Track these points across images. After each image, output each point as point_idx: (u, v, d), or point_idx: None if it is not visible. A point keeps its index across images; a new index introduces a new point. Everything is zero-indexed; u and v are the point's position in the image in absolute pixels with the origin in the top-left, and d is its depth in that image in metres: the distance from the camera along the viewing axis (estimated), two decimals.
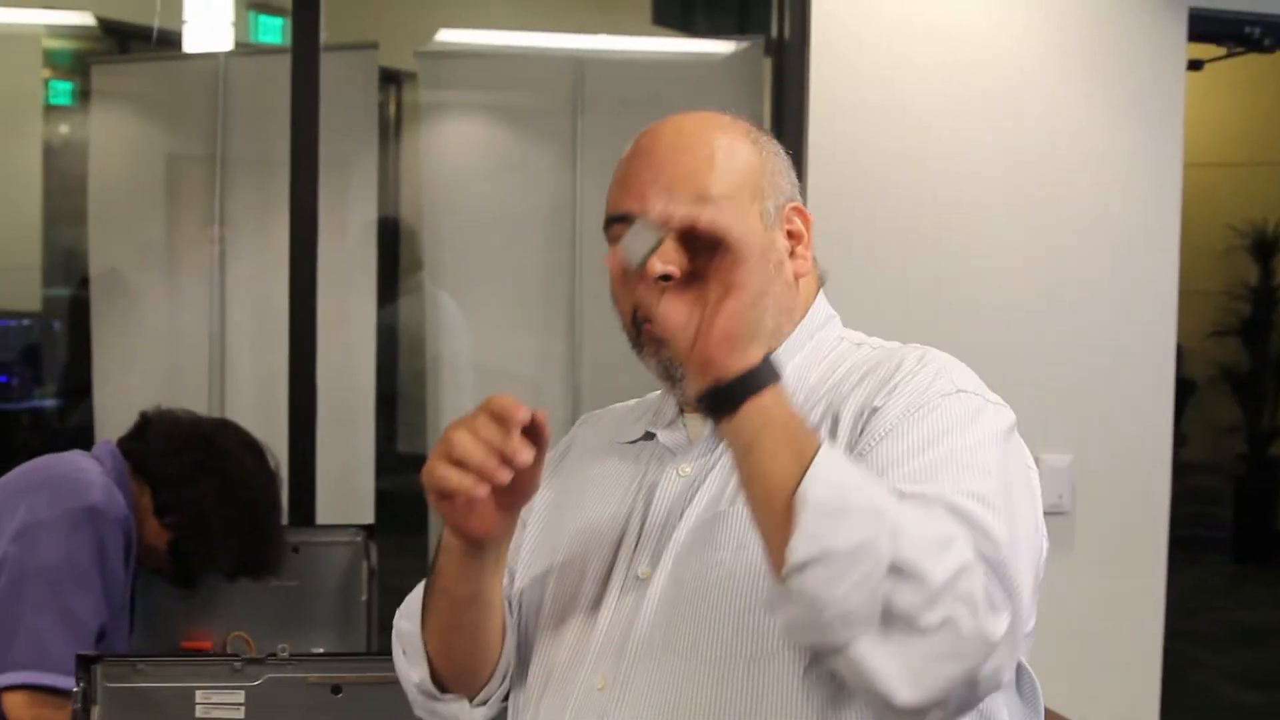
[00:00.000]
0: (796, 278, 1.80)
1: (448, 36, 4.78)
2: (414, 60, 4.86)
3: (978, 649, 1.41)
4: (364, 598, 3.24)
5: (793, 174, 1.84)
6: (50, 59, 6.47)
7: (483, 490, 1.54)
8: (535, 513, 1.89)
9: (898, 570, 1.39)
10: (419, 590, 1.84)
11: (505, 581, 1.84)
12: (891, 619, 1.40)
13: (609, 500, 1.83)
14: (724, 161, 1.74)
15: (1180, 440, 4.13)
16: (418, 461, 4.75)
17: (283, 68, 3.87)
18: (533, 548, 1.88)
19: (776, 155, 1.82)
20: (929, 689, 1.41)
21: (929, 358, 1.72)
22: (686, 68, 4.57)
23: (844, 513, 1.41)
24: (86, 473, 2.91)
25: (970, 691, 1.44)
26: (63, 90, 6.59)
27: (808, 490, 1.42)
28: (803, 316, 1.82)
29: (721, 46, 4.49)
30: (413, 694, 1.85)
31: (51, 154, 6.47)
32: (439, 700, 1.83)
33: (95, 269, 4.81)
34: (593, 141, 4.43)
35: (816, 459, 1.44)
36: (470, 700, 1.84)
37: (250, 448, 3.09)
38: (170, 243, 4.75)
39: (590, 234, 4.39)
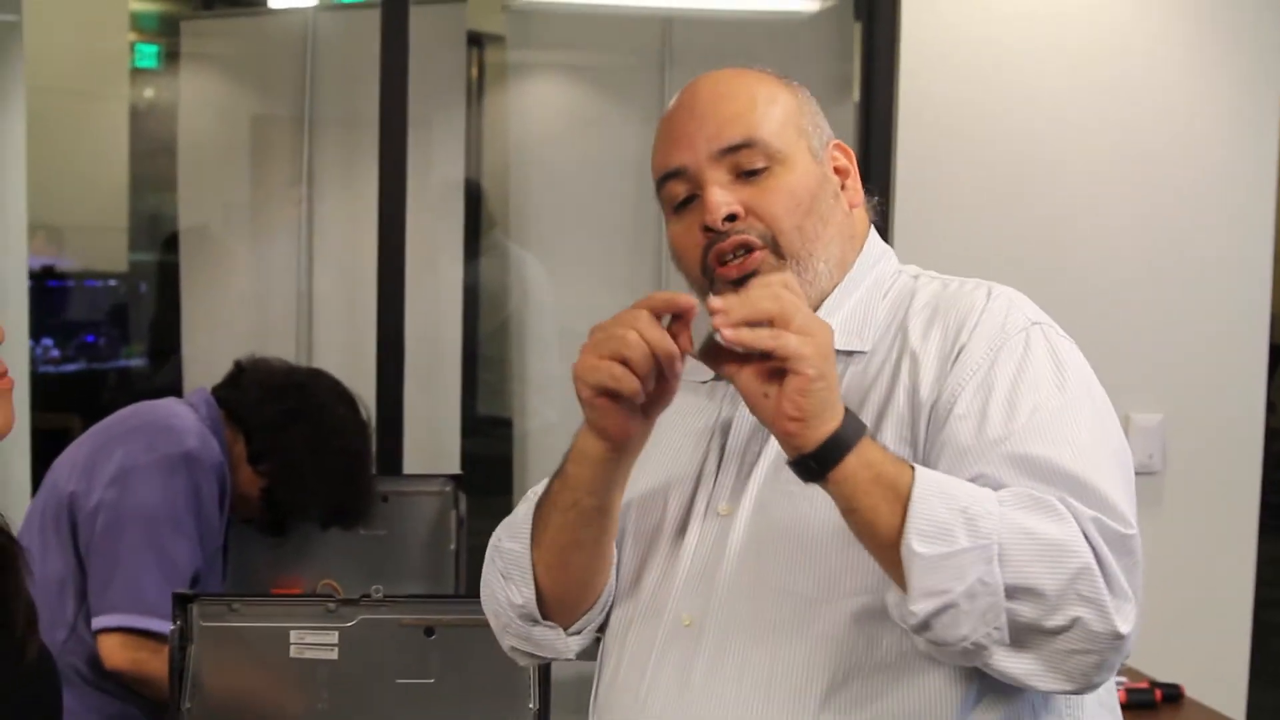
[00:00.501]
0: (852, 207, 1.84)
1: None
2: (496, 21, 4.85)
3: (1109, 643, 1.48)
4: (452, 547, 3.25)
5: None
6: (136, 22, 6.52)
7: (630, 384, 1.57)
8: None
9: (1015, 591, 1.46)
10: (525, 510, 1.82)
11: None
12: (1020, 629, 1.47)
13: (687, 436, 1.83)
14: (765, 105, 1.78)
15: (1270, 407, 4.07)
16: (499, 423, 4.74)
17: (370, 24, 3.87)
18: None
19: (810, 99, 1.86)
20: (1067, 677, 1.50)
21: (995, 291, 1.75)
22: (774, 25, 4.53)
23: (951, 558, 1.46)
24: (182, 419, 2.94)
25: (1108, 673, 1.53)
26: (148, 53, 6.65)
27: (912, 542, 1.46)
28: (862, 247, 1.85)
29: (810, 3, 4.45)
30: (507, 618, 1.82)
31: (137, 117, 6.53)
32: (538, 624, 1.81)
33: (184, 229, 4.85)
34: None
35: (912, 504, 1.47)
36: (565, 629, 1.82)
37: (342, 397, 3.10)
38: (257, 202, 4.77)
39: None
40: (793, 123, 1.80)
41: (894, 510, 1.48)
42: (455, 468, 4.30)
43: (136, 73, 6.61)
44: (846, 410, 1.52)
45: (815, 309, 1.73)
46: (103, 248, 6.44)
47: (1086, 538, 1.48)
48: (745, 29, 4.52)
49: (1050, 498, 1.50)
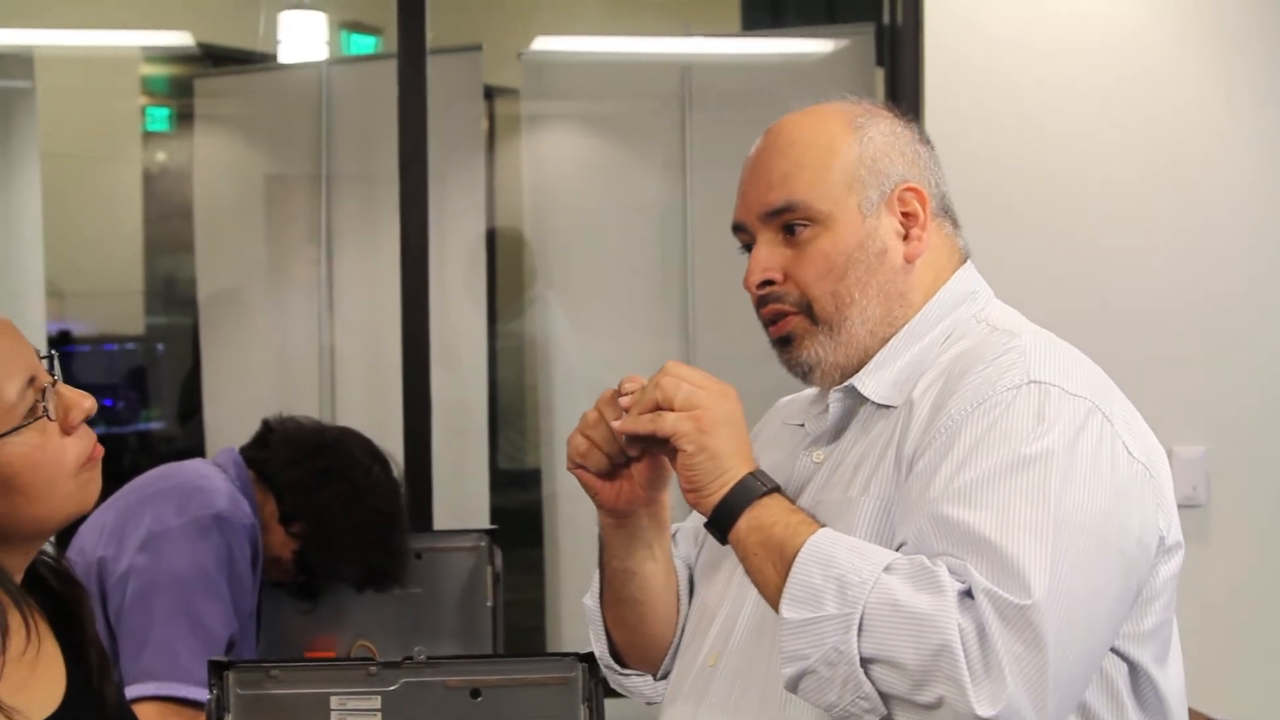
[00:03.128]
0: (909, 260, 1.80)
1: (543, 45, 4.75)
2: (507, 73, 4.84)
3: None
4: (489, 603, 3.19)
5: (915, 149, 1.85)
6: (147, 85, 6.54)
7: (596, 459, 1.77)
8: None
9: (873, 662, 1.49)
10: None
11: (687, 548, 1.98)
12: (893, 702, 1.50)
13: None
14: (818, 162, 1.79)
15: None
16: (527, 476, 4.71)
17: (385, 76, 3.85)
18: None
19: (887, 136, 1.83)
20: None
21: (1015, 344, 1.70)
22: (793, 67, 4.51)
23: (813, 624, 1.52)
24: (211, 479, 2.88)
25: None
26: (160, 116, 6.66)
27: (783, 606, 1.55)
28: (927, 299, 1.81)
29: (828, 39, 4.43)
30: (603, 667, 1.99)
31: (150, 180, 6.53)
32: (621, 674, 1.97)
33: (202, 290, 4.82)
34: (702, 142, 4.38)
35: (793, 569, 1.55)
36: (654, 675, 1.95)
37: (375, 456, 3.04)
38: (275, 261, 4.75)
39: (702, 235, 4.35)
40: (846, 177, 1.79)
41: (779, 572, 1.57)
42: (484, 522, 4.26)
43: (148, 136, 6.63)
44: (748, 475, 1.65)
45: (857, 368, 1.79)
46: (119, 311, 6.44)
47: (971, 612, 1.47)
48: (765, 71, 4.50)
49: (939, 568, 1.50)
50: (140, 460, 5.71)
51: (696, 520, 1.92)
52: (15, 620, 1.67)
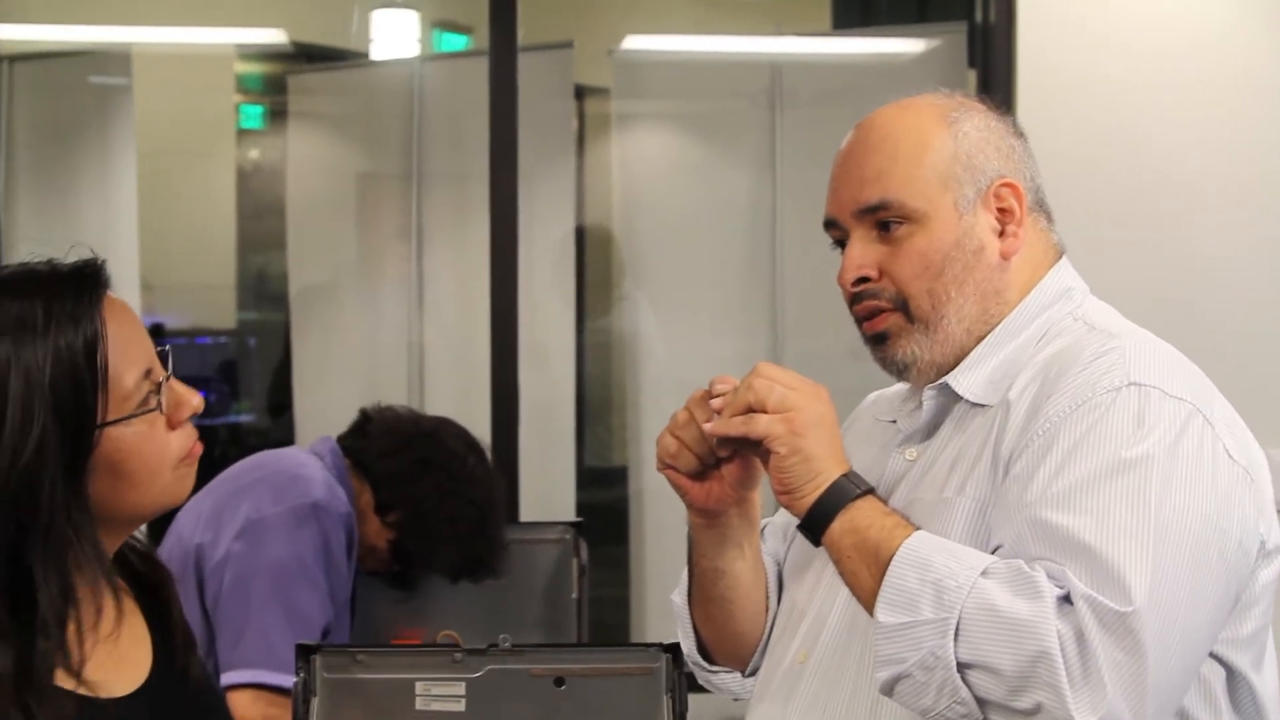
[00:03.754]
0: (1005, 257, 1.77)
1: (634, 44, 4.77)
2: (596, 72, 4.86)
3: None
4: (574, 595, 3.19)
5: (1010, 143, 1.81)
6: (241, 83, 6.61)
7: (687, 460, 1.75)
8: None
9: (970, 667, 1.48)
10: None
11: (776, 544, 1.96)
12: (989, 705, 1.49)
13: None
14: (911, 157, 1.76)
15: None
16: (614, 474, 4.72)
17: (477, 73, 3.88)
18: None
19: (982, 131, 1.79)
20: None
21: (1114, 345, 1.66)
22: (883, 65, 4.50)
23: (910, 628, 1.52)
24: (308, 468, 2.89)
25: None
26: (253, 114, 6.73)
27: (879, 610, 1.55)
28: (1022, 296, 1.78)
29: (919, 38, 4.41)
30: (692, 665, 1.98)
31: (244, 176, 6.60)
32: (709, 671, 1.96)
33: (294, 285, 4.88)
34: (791, 141, 4.37)
35: (888, 572, 1.55)
36: (742, 672, 1.94)
37: (472, 447, 3.04)
38: (366, 257, 4.80)
39: (790, 234, 4.34)
40: (940, 174, 1.76)
41: (874, 576, 1.57)
42: (571, 517, 4.28)
43: (242, 133, 6.70)
44: (841, 478, 1.64)
45: (953, 366, 1.77)
46: (212, 305, 6.52)
47: (1070, 618, 1.46)
48: (855, 71, 4.50)
49: (1037, 573, 1.49)
50: (230, 452, 5.76)
51: (785, 515, 1.91)
52: (107, 599, 1.72)
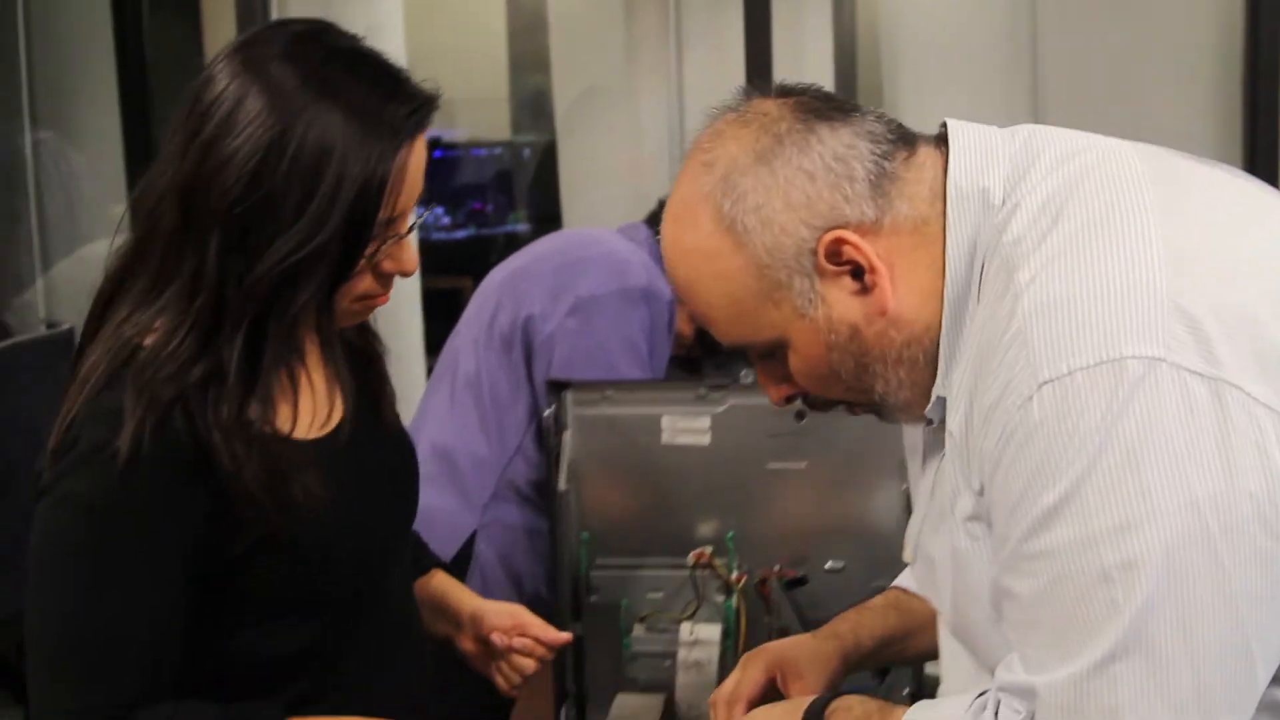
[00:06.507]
0: (882, 313, 1.48)
1: None
2: None
3: None
4: None
5: (795, 172, 1.46)
6: None
7: None
8: None
9: None
10: None
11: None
12: None
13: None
14: (721, 304, 1.52)
15: None
16: None
17: None
18: None
19: (761, 195, 1.46)
20: None
21: (1016, 324, 1.35)
22: None
23: None
24: (635, 254, 2.98)
25: None
26: None
27: None
28: (940, 333, 1.49)
29: None
30: None
31: None
32: None
33: (558, 100, 5.03)
34: None
35: None
36: None
37: None
38: (628, 70, 4.84)
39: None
40: (757, 295, 1.49)
41: None
42: None
43: None
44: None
45: (927, 404, 1.53)
46: (486, 118, 6.66)
47: None
48: None
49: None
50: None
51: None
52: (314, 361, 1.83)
